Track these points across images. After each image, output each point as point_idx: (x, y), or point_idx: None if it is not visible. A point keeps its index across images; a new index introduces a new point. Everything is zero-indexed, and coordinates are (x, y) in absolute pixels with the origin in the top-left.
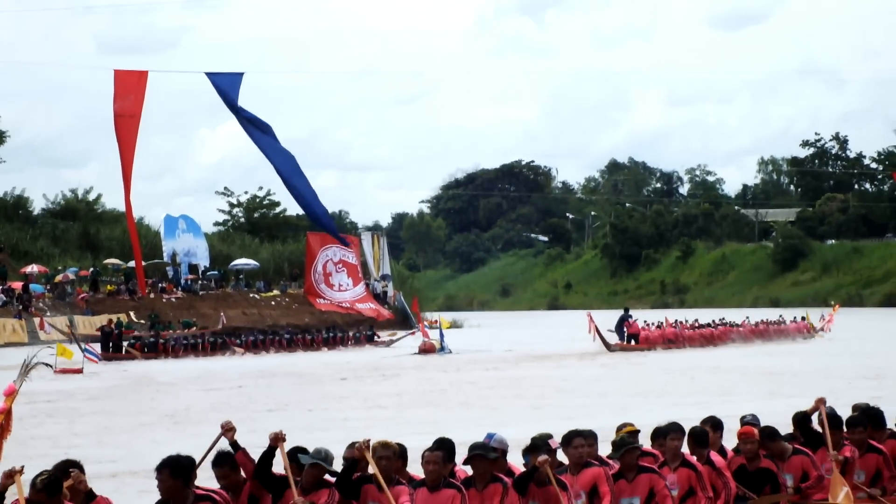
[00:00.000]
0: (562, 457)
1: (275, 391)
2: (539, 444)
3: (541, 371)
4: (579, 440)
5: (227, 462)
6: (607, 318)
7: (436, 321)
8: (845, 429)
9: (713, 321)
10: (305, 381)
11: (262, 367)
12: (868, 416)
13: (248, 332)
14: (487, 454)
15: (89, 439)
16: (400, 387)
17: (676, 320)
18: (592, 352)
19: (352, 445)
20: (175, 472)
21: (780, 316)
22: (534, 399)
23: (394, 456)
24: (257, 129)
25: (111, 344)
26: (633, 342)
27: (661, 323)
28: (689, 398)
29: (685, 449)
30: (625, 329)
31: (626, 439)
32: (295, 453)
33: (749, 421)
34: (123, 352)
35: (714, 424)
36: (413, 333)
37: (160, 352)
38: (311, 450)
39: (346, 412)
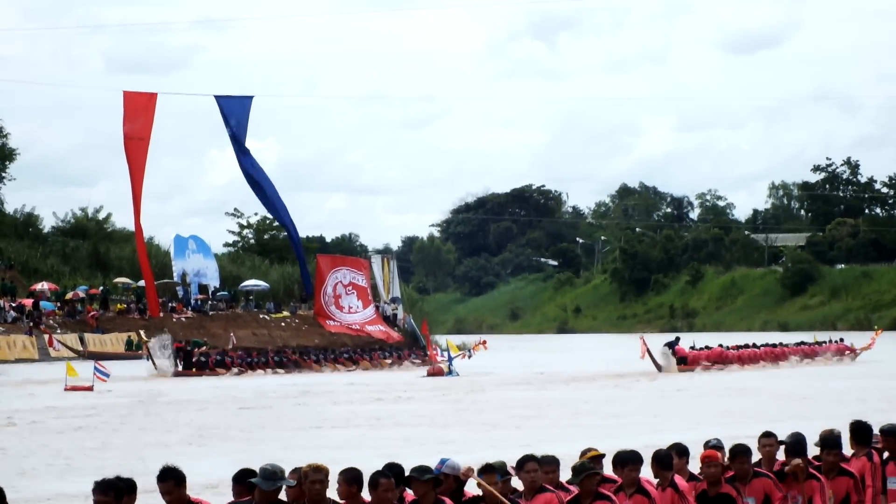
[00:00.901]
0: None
1: (287, 410)
2: (495, 467)
3: (594, 392)
4: (532, 465)
5: (172, 477)
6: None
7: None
8: (819, 451)
9: (754, 343)
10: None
11: (307, 382)
12: (854, 431)
13: (315, 350)
14: (421, 476)
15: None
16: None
17: (720, 345)
18: (648, 372)
19: (296, 470)
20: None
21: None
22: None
23: (326, 479)
24: (251, 165)
25: (184, 360)
26: (682, 364)
27: (707, 346)
28: (703, 420)
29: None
30: (672, 353)
31: (587, 465)
32: (244, 476)
33: (714, 445)
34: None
35: (679, 451)
36: (464, 355)
37: (228, 368)
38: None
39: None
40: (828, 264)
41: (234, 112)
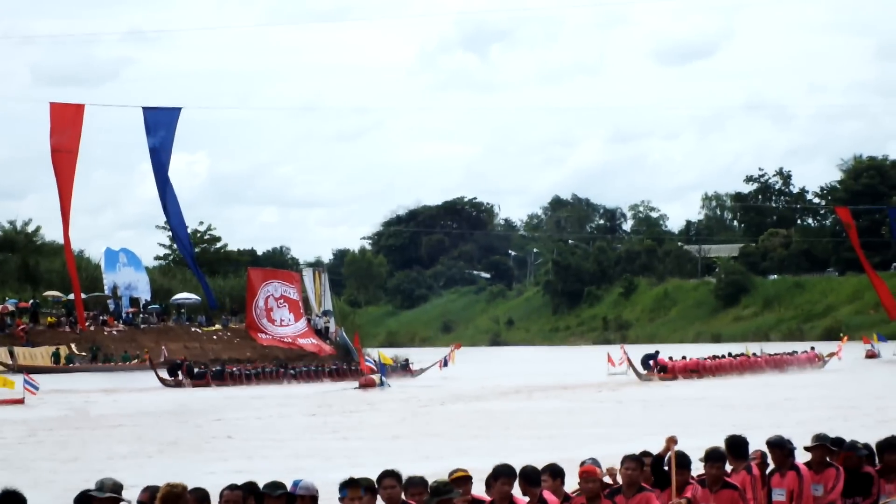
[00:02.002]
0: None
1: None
2: (359, 482)
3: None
4: (389, 481)
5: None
6: (554, 355)
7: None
8: (703, 463)
9: (729, 353)
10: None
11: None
12: (730, 445)
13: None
14: (273, 492)
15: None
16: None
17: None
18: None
19: (146, 489)
20: None
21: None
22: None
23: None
24: (162, 176)
25: (180, 373)
26: (662, 373)
27: (685, 356)
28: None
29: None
30: (651, 363)
31: (442, 487)
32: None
33: (591, 461)
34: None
35: (553, 472)
36: (440, 365)
37: (226, 381)
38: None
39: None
40: (760, 275)
41: (162, 124)
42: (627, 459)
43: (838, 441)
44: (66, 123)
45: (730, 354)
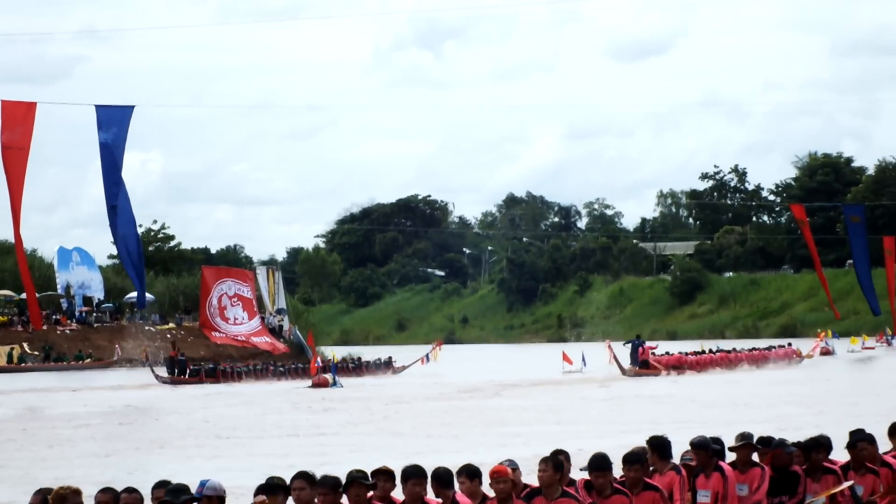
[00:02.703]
0: None
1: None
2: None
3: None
4: (300, 482)
5: None
6: (507, 352)
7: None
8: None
9: (710, 349)
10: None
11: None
12: (654, 446)
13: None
14: (176, 498)
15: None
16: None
17: (679, 352)
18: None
19: (38, 492)
20: None
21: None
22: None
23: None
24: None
25: (176, 370)
26: (646, 368)
27: (668, 352)
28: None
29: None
30: (638, 354)
31: (356, 473)
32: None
33: (508, 464)
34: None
35: (469, 473)
36: (422, 361)
37: (219, 378)
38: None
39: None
40: (716, 272)
41: (115, 121)
42: (541, 461)
43: (767, 440)
44: (17, 121)
45: (710, 351)
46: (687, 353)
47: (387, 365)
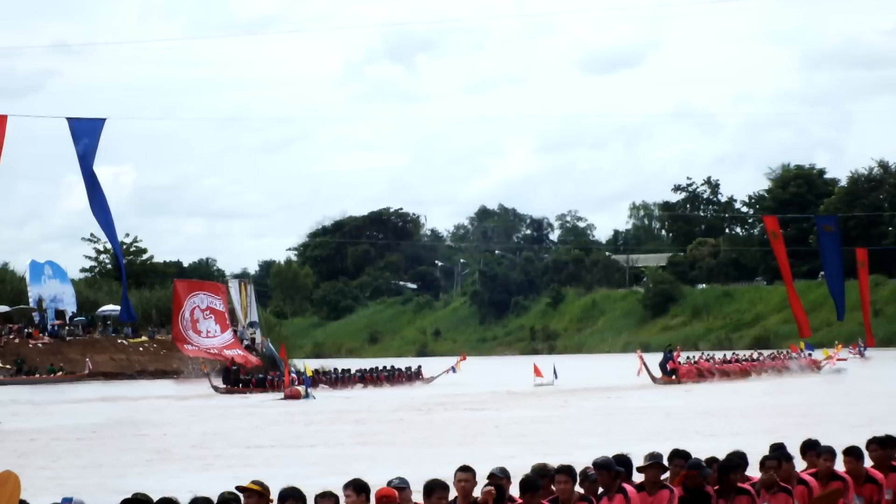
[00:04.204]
0: None
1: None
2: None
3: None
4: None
5: None
6: (480, 364)
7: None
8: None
9: (735, 357)
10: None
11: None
12: (620, 463)
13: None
14: None
15: None
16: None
17: (709, 356)
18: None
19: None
20: None
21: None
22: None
23: None
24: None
25: (231, 379)
26: (674, 376)
27: (692, 358)
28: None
29: None
30: (667, 366)
31: (228, 495)
32: None
33: (396, 484)
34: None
35: (357, 487)
36: (449, 371)
37: (267, 388)
38: None
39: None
40: (689, 284)
41: (86, 134)
42: (461, 470)
43: (683, 454)
44: None
45: (736, 359)
46: (708, 360)
47: (416, 375)
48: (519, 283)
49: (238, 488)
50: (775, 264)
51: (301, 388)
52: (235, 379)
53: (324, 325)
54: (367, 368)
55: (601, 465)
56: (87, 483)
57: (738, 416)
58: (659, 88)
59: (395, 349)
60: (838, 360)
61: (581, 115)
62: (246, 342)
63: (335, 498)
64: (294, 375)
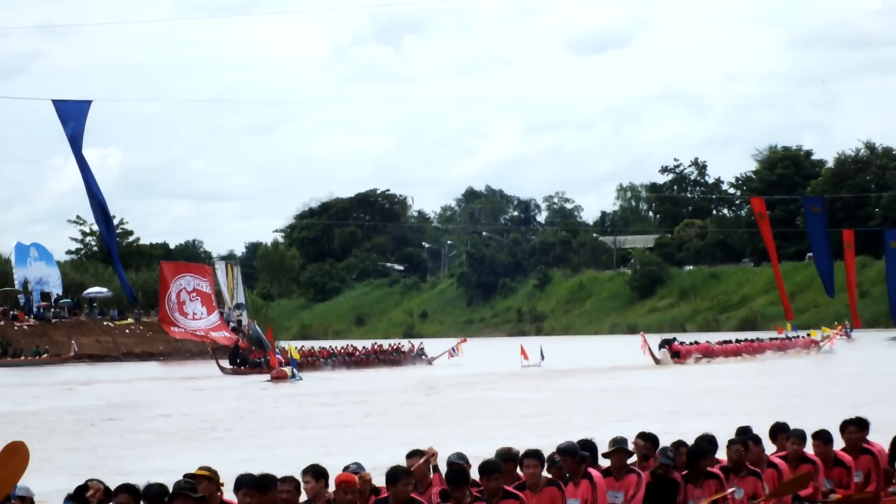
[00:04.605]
0: None
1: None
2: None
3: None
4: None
5: None
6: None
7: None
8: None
9: (736, 339)
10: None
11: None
12: (586, 448)
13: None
14: None
15: None
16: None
17: (707, 341)
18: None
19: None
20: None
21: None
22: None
23: None
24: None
25: (239, 360)
26: (676, 357)
27: (696, 341)
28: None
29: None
30: (666, 349)
31: (183, 484)
32: None
33: (354, 469)
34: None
35: (315, 473)
36: (451, 355)
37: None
38: None
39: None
40: (676, 266)
41: (72, 116)
42: (411, 456)
43: (651, 436)
44: None
45: (736, 340)
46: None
47: (419, 356)
48: (506, 265)
49: (188, 475)
50: (762, 246)
51: (287, 370)
52: (244, 361)
53: (310, 306)
54: (374, 347)
55: (565, 450)
56: (82, 465)
57: (734, 396)
58: (646, 70)
59: (382, 331)
60: (824, 339)
61: (568, 97)
62: (232, 324)
63: (295, 483)
64: (279, 357)
